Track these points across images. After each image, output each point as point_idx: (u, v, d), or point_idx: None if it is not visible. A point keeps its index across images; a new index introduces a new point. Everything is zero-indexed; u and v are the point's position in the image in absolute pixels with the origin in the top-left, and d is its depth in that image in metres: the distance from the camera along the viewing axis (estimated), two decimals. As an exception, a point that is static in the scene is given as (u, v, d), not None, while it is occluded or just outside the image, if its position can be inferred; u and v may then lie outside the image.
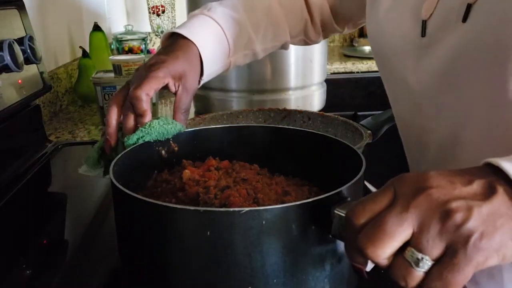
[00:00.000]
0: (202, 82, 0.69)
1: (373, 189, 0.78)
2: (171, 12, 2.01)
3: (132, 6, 2.28)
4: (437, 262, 0.33)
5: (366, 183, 0.77)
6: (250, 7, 0.76)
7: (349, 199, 0.42)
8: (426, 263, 0.33)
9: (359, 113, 1.71)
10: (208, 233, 0.39)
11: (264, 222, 0.39)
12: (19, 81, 0.87)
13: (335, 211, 0.40)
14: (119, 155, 0.52)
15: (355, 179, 0.44)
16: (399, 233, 0.34)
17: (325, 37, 0.87)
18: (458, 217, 0.32)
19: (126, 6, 2.28)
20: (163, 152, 0.59)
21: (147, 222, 0.43)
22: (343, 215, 0.39)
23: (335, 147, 0.56)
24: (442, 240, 0.33)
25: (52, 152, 0.97)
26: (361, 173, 0.46)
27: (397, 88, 0.67)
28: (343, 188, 0.42)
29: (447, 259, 0.33)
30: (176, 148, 0.60)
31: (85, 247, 0.64)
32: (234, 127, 0.65)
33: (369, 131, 0.80)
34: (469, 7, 0.52)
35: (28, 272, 0.58)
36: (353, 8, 0.81)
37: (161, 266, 0.43)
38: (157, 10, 1.99)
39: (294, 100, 1.19)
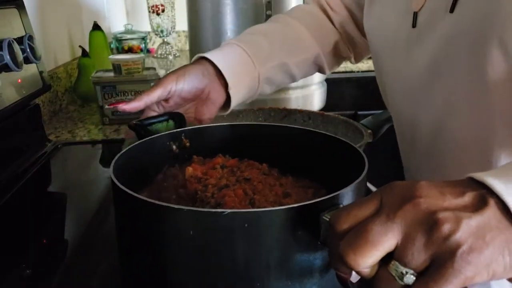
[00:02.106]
0: (236, 98, 0.72)
1: (373, 189, 0.78)
2: (171, 11, 2.01)
3: (131, 5, 2.27)
4: (422, 274, 0.31)
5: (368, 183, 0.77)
6: (280, 36, 0.79)
7: (341, 205, 0.41)
8: (410, 277, 0.31)
9: (359, 113, 1.71)
10: (191, 232, 0.39)
11: (246, 225, 0.38)
12: (19, 81, 0.87)
13: (323, 217, 0.38)
14: (122, 151, 0.52)
15: (353, 184, 0.43)
16: (382, 242, 0.32)
17: (358, 57, 0.88)
18: (445, 228, 0.31)
19: (125, 5, 2.28)
20: (174, 147, 0.60)
21: (137, 219, 0.43)
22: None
23: (347, 151, 0.55)
24: (427, 252, 0.31)
25: (51, 152, 0.97)
26: (361, 177, 0.45)
27: (390, 80, 0.69)
28: (339, 193, 0.41)
29: (433, 272, 0.31)
30: (187, 144, 0.60)
31: (85, 247, 0.64)
32: (247, 125, 0.65)
33: (369, 131, 0.80)
34: None
35: (28, 271, 0.58)
36: None
37: (151, 264, 0.43)
38: (157, 9, 1.99)
39: (294, 99, 1.18)
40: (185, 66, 0.71)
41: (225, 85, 0.71)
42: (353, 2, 0.82)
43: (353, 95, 1.75)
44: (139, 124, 0.60)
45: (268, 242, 0.39)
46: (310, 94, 1.22)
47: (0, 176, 0.80)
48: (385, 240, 0.32)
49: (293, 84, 1.18)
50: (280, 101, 1.16)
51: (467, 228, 0.31)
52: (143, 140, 0.56)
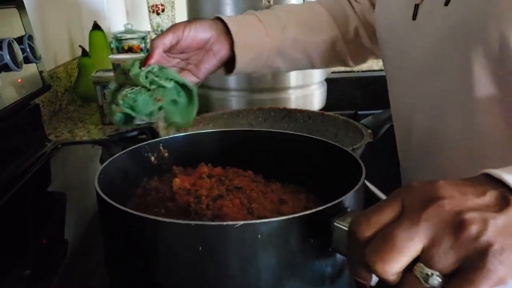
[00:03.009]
0: (241, 59, 0.73)
1: (373, 188, 0.78)
2: (171, 11, 2.01)
3: (131, 5, 2.27)
4: (452, 277, 0.31)
5: (366, 182, 0.77)
6: (290, 7, 0.81)
7: (349, 209, 0.40)
8: (436, 279, 0.31)
9: (360, 112, 1.70)
10: (200, 248, 0.37)
11: (259, 236, 0.37)
12: (19, 80, 0.87)
13: (335, 224, 0.38)
14: (106, 163, 0.49)
15: (356, 188, 0.42)
16: (409, 248, 0.31)
17: (360, 59, 0.86)
18: (473, 229, 0.30)
19: (125, 5, 2.27)
20: (152, 158, 0.57)
21: (136, 237, 0.40)
22: (344, 228, 0.37)
23: (331, 152, 0.54)
24: (456, 254, 0.31)
25: (51, 152, 0.97)
26: (361, 181, 0.44)
27: (391, 69, 0.69)
28: (344, 198, 0.40)
29: (466, 273, 0.30)
30: (166, 154, 0.58)
31: (85, 247, 0.64)
32: (226, 132, 0.62)
33: (369, 130, 0.80)
34: None
35: (27, 271, 0.58)
36: None
37: (151, 284, 0.41)
38: (157, 9, 1.99)
39: (294, 99, 1.18)
40: (196, 18, 0.72)
41: (232, 43, 0.71)
42: None
43: (353, 95, 1.75)
44: (109, 140, 0.58)
45: (281, 252, 0.38)
46: (310, 94, 1.22)
47: (0, 176, 0.80)
48: (412, 245, 0.31)
49: (293, 84, 1.18)
50: (280, 100, 1.16)
51: (495, 228, 0.31)
52: (123, 152, 0.53)
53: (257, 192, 0.51)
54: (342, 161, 0.52)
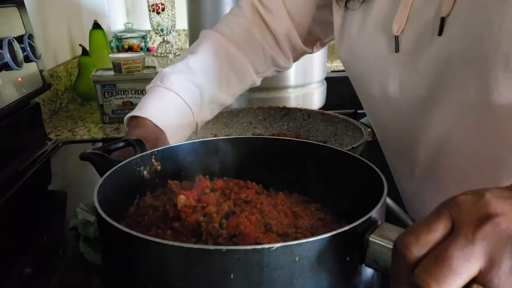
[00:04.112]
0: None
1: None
2: (171, 10, 2.01)
3: (132, 4, 2.27)
4: None
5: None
6: (207, 64, 0.75)
7: (379, 222, 0.38)
8: None
9: (359, 111, 1.70)
10: (232, 276, 0.34)
11: (297, 259, 0.34)
12: (19, 79, 0.87)
13: (370, 239, 0.36)
14: (101, 181, 0.45)
15: (382, 200, 0.39)
16: (466, 269, 0.30)
17: (295, 60, 0.85)
18: None
19: (126, 4, 2.27)
20: (145, 172, 0.52)
21: (153, 267, 0.36)
22: (382, 242, 0.35)
23: (322, 154, 0.51)
24: None
25: (52, 150, 0.97)
26: (385, 193, 0.41)
27: (377, 106, 0.66)
28: (373, 212, 0.37)
29: None
30: (158, 167, 0.53)
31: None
32: (218, 140, 0.57)
33: (369, 129, 0.80)
34: (443, 20, 0.52)
35: (27, 270, 0.58)
36: (320, 29, 0.80)
37: None
38: (157, 8, 1.99)
39: (294, 98, 1.18)
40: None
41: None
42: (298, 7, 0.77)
43: (353, 94, 1.75)
44: (96, 153, 0.53)
45: (319, 274, 0.35)
46: (310, 93, 1.22)
47: (1, 174, 0.80)
48: (469, 266, 0.30)
49: (293, 83, 1.18)
50: (280, 99, 1.16)
51: None
52: (116, 166, 0.48)
53: (267, 205, 0.48)
54: (347, 167, 0.49)
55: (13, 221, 0.70)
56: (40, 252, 0.64)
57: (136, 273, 0.38)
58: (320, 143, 0.55)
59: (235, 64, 0.77)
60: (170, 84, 0.70)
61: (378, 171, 0.45)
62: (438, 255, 0.31)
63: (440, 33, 0.53)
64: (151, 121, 0.66)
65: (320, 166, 0.52)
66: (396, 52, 0.58)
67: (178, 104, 0.70)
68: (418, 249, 0.32)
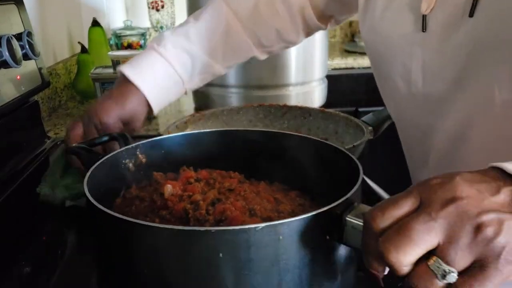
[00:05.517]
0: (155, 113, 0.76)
1: (372, 184, 0.78)
2: (171, 7, 2.01)
3: (131, 1, 2.26)
4: (462, 273, 0.33)
5: (366, 178, 0.76)
6: (205, 34, 0.77)
7: (355, 204, 0.40)
8: (453, 276, 0.32)
9: (360, 109, 1.70)
10: (221, 255, 0.36)
11: (281, 237, 0.37)
12: (18, 77, 0.86)
13: (347, 218, 0.38)
14: (88, 173, 0.46)
15: (358, 182, 0.43)
16: (424, 241, 0.33)
17: (306, 36, 0.85)
18: (489, 231, 0.32)
19: (125, 1, 2.27)
20: (130, 165, 0.53)
21: (146, 251, 0.38)
22: (356, 221, 0.38)
23: (294, 143, 0.54)
24: (471, 253, 0.32)
25: (51, 149, 0.96)
26: (360, 175, 0.44)
27: (397, 87, 0.65)
28: (351, 193, 0.41)
29: (477, 272, 0.32)
30: (144, 160, 0.55)
31: (84, 244, 0.64)
32: (201, 133, 0.60)
33: (370, 127, 0.79)
34: (475, 0, 0.50)
35: (27, 269, 0.58)
36: (336, 6, 0.79)
37: None
38: (157, 5, 1.99)
39: (294, 96, 1.18)
40: (126, 108, 0.72)
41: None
42: None
43: (354, 92, 1.75)
44: (82, 147, 0.54)
45: (301, 252, 0.38)
46: (311, 91, 1.22)
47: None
48: (428, 239, 0.33)
49: (294, 81, 1.18)
50: (281, 97, 1.15)
51: (509, 230, 0.32)
52: (103, 159, 0.50)
53: (250, 193, 0.50)
54: (316, 153, 0.52)
55: (12, 219, 0.69)
56: (39, 252, 0.63)
57: (129, 258, 0.40)
58: (298, 134, 0.58)
59: (234, 37, 0.79)
60: (164, 51, 0.74)
61: (353, 156, 0.48)
62: (401, 227, 0.33)
63: (471, 14, 0.51)
64: (139, 89, 0.72)
65: (298, 155, 0.55)
66: (423, 31, 0.57)
67: (169, 74, 0.75)
68: (383, 221, 0.34)
